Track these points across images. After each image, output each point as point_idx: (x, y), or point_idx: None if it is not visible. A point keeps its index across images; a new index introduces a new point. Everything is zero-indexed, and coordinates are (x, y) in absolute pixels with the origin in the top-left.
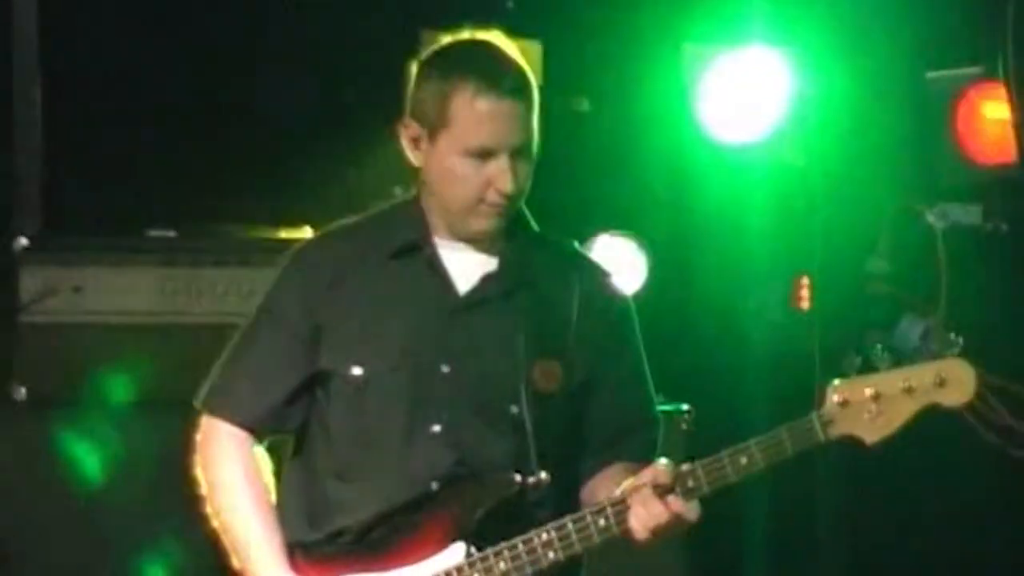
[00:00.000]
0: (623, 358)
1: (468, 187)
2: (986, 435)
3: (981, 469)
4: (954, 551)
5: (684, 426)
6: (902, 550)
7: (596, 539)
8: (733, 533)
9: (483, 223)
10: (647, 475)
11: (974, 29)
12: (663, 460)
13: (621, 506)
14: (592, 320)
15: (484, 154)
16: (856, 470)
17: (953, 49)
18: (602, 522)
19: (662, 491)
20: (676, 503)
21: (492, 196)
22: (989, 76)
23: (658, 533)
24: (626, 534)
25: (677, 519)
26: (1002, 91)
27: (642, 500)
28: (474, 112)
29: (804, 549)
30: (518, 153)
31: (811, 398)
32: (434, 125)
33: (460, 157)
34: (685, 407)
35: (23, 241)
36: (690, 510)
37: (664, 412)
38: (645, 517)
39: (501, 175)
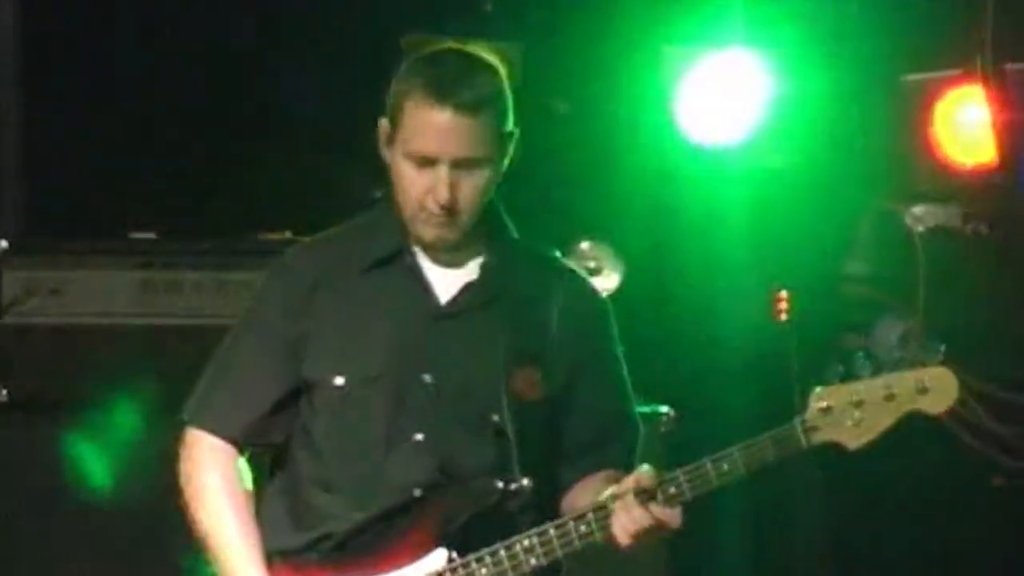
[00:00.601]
0: (602, 364)
1: (410, 191)
2: (966, 439)
3: (961, 473)
4: (932, 554)
5: (663, 429)
6: (881, 553)
7: (578, 545)
8: (710, 537)
9: (428, 231)
10: (629, 481)
11: (951, 31)
12: (645, 466)
13: (603, 512)
14: (571, 327)
15: (425, 161)
16: (834, 473)
17: (930, 51)
18: (583, 528)
19: (645, 498)
20: (658, 510)
21: (430, 204)
22: (966, 77)
23: (640, 539)
24: (608, 540)
25: (659, 525)
26: (979, 92)
27: (625, 506)
28: (417, 118)
29: (782, 551)
30: (461, 165)
31: (790, 401)
32: (393, 126)
33: (405, 160)
34: (664, 409)
35: (3, 243)
36: (672, 516)
37: (643, 415)
38: (628, 523)
39: (437, 184)
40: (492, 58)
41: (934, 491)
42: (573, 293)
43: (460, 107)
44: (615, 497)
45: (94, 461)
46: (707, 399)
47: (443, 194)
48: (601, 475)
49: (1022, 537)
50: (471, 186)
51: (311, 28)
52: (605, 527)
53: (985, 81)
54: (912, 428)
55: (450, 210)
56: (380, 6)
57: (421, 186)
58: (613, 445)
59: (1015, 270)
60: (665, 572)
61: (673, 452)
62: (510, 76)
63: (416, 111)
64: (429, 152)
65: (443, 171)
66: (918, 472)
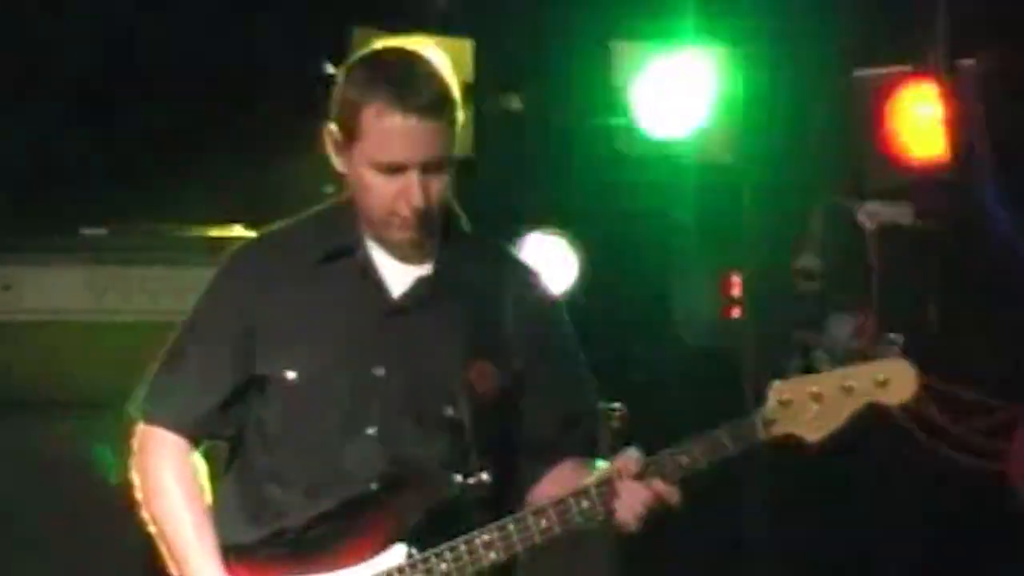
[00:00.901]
0: (557, 356)
1: (379, 200)
2: (919, 436)
3: (914, 469)
4: (884, 551)
5: (615, 424)
6: (830, 549)
7: (538, 539)
8: (659, 532)
9: (398, 234)
10: (619, 463)
11: (903, 27)
12: (631, 450)
13: (606, 488)
14: (524, 320)
15: (394, 169)
16: (783, 469)
17: (882, 47)
18: (585, 504)
19: (637, 477)
20: (661, 486)
21: (403, 210)
22: (918, 73)
23: (645, 518)
24: (611, 516)
25: (660, 502)
26: (931, 88)
27: (627, 488)
28: (383, 128)
29: (731, 547)
30: (430, 168)
31: (741, 394)
32: (349, 135)
33: (370, 170)
34: (616, 405)
35: None
36: (672, 493)
37: (602, 409)
38: (634, 503)
39: (410, 191)
40: (439, 53)
41: (883, 486)
42: (525, 285)
43: (424, 111)
44: (602, 483)
45: (39, 458)
46: (660, 391)
47: (417, 200)
48: (568, 466)
49: (960, 526)
50: (440, 186)
51: (259, 22)
52: (608, 503)
53: (938, 77)
54: (865, 423)
55: (423, 213)
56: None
57: (390, 193)
58: (575, 434)
59: (966, 266)
60: (611, 565)
61: (625, 446)
62: (463, 72)
63: (378, 120)
64: (398, 160)
65: (414, 176)
66: (868, 466)
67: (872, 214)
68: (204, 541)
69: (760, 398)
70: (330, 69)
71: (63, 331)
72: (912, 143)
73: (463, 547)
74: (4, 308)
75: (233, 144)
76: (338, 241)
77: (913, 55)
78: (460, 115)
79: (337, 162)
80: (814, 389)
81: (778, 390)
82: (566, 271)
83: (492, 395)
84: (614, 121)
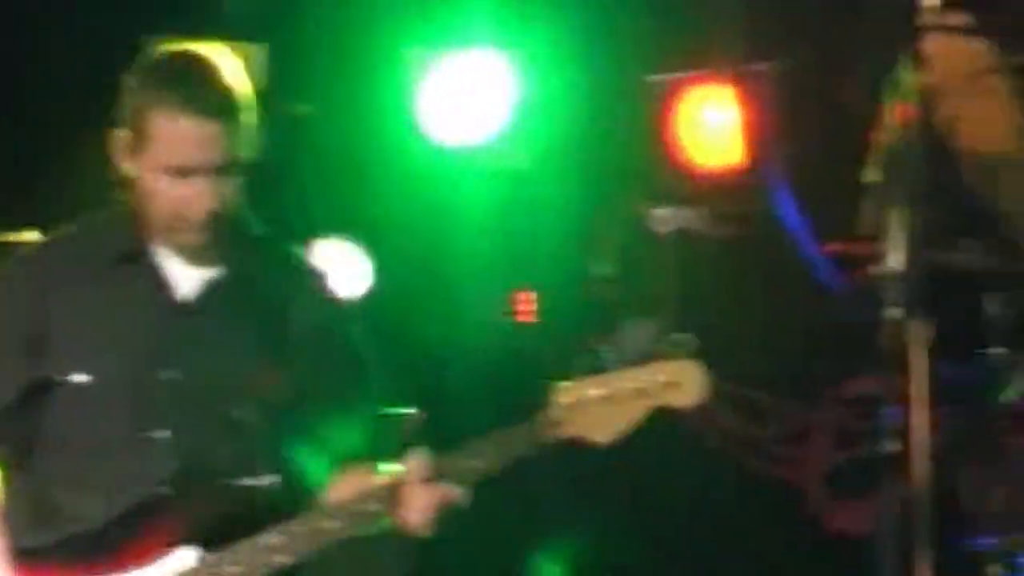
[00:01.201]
0: (342, 360)
1: (168, 204)
2: (713, 439)
3: (707, 473)
4: (677, 553)
5: (410, 429)
6: (623, 551)
7: (326, 541)
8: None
9: (187, 237)
10: (409, 466)
11: (698, 31)
12: (418, 452)
13: (395, 491)
14: (310, 324)
15: (183, 172)
16: (578, 471)
17: (677, 51)
18: (374, 506)
19: (426, 480)
20: (446, 489)
21: (192, 213)
22: (713, 77)
23: (432, 519)
24: (400, 518)
25: (448, 504)
26: (725, 92)
27: (414, 491)
28: (170, 133)
29: (525, 550)
30: (219, 172)
31: (537, 400)
32: (138, 139)
33: (160, 173)
34: (411, 411)
35: None
36: (459, 494)
37: (390, 416)
38: (421, 506)
39: (199, 195)
40: (229, 57)
41: (675, 487)
42: (312, 290)
43: (212, 114)
44: (391, 486)
45: None
46: (454, 397)
47: (206, 204)
48: (357, 469)
49: (766, 531)
50: (228, 189)
51: (45, 25)
52: (395, 507)
53: (734, 81)
54: (656, 425)
55: (212, 216)
56: (117, 4)
57: (178, 197)
58: (363, 439)
59: (761, 271)
60: (400, 567)
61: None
62: (254, 77)
63: (165, 123)
64: (186, 163)
65: (201, 180)
66: (660, 469)
67: (666, 219)
68: None
69: (549, 399)
70: (121, 75)
71: None
72: (706, 148)
73: (252, 549)
74: None
75: (20, 151)
76: (126, 244)
77: (708, 59)
78: (250, 119)
79: (126, 167)
80: (602, 391)
81: (565, 391)
82: (359, 278)
83: (279, 399)
84: (407, 127)
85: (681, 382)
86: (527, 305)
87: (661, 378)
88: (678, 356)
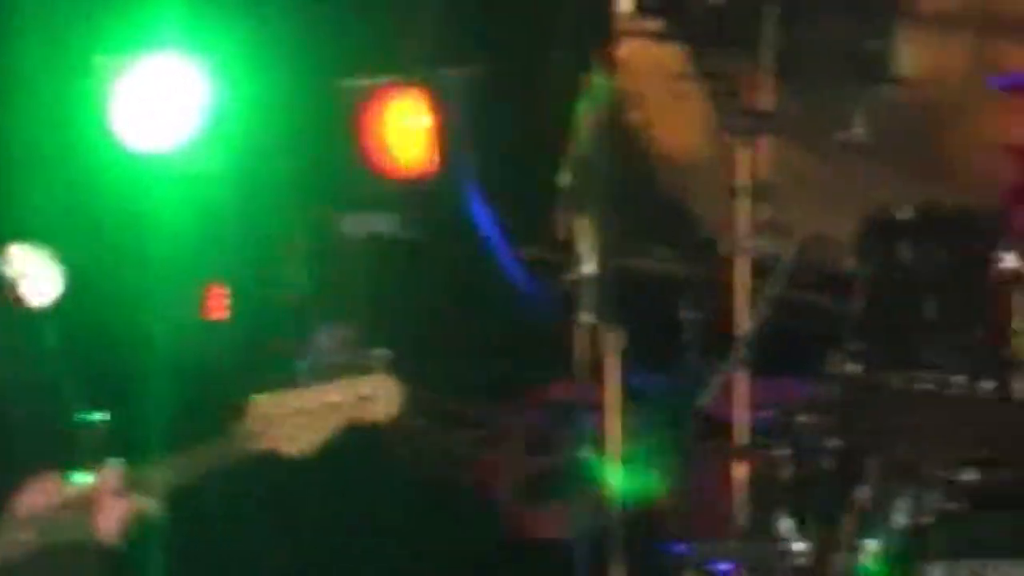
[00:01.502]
0: (30, 366)
1: None
2: (407, 449)
3: (400, 482)
4: (371, 563)
5: (100, 434)
6: (314, 563)
7: (20, 553)
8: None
9: None
10: (101, 476)
11: (389, 37)
12: (114, 462)
13: (88, 501)
14: None
15: None
16: (271, 482)
17: (369, 57)
18: (66, 516)
19: (118, 491)
20: (141, 500)
21: None
22: (404, 84)
23: (124, 531)
24: (93, 528)
25: (141, 515)
26: (416, 98)
27: (106, 502)
28: None
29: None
30: None
31: (224, 408)
32: None
33: None
34: (102, 415)
35: None
36: (153, 507)
37: (82, 421)
38: (113, 514)
39: None
40: None
41: (367, 498)
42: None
43: None
44: (84, 495)
45: None
46: (144, 403)
47: None
48: (48, 478)
49: (462, 539)
50: None
51: None
52: (79, 525)
53: (424, 87)
54: (351, 436)
55: None
56: None
57: None
58: (53, 448)
59: (454, 276)
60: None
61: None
62: None
63: None
64: None
65: None
66: (354, 481)
67: (358, 224)
68: None
69: (244, 412)
70: None
71: None
72: (397, 153)
73: None
74: None
75: None
76: None
77: (401, 65)
78: None
79: None
80: (296, 404)
81: (258, 404)
82: (51, 283)
83: None
84: (96, 132)
85: (375, 396)
86: (218, 300)
87: (354, 392)
88: (373, 370)
